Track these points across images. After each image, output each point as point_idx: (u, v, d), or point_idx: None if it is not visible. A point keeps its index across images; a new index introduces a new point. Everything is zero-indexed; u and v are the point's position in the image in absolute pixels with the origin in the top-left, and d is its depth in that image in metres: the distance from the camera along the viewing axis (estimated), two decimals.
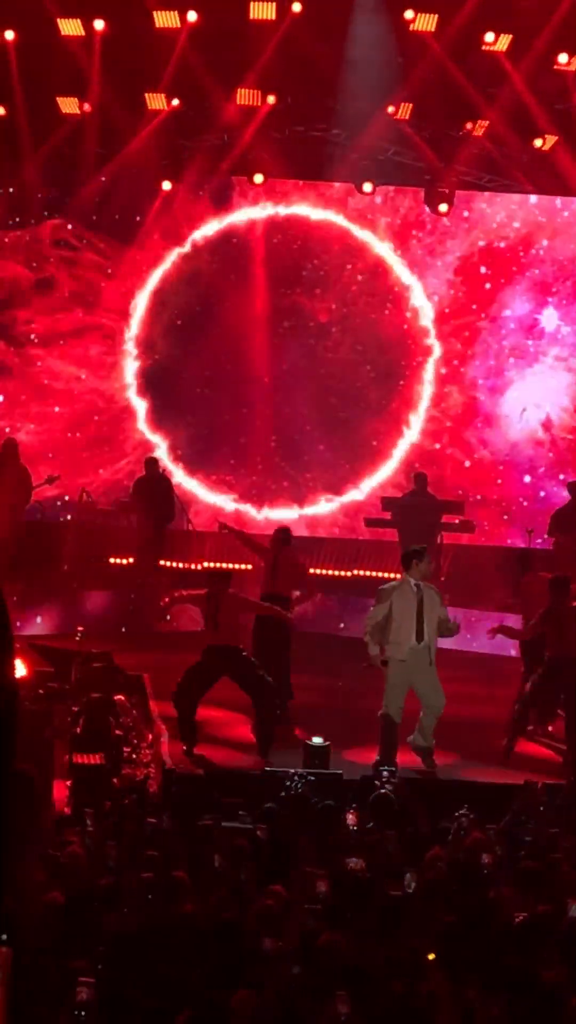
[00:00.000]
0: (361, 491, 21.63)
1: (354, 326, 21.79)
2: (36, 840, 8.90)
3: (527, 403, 21.66)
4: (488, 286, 21.75)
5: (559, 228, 21.66)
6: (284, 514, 20.98)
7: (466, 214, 21.70)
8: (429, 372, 21.84)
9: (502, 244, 21.68)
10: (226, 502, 21.44)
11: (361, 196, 21.15)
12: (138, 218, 21.09)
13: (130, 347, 21.51)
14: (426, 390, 21.84)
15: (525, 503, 21.58)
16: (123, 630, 17.98)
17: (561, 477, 20.86)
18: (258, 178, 19.98)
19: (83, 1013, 6.94)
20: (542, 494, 21.34)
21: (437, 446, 21.53)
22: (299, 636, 14.71)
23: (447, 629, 12.49)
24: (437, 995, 7.30)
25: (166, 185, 20.15)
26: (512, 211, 21.59)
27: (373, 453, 21.69)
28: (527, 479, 21.65)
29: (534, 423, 21.66)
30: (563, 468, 21.19)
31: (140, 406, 21.52)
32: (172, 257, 21.56)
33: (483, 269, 21.76)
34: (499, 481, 21.67)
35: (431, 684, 12.37)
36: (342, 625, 18.86)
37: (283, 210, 21.65)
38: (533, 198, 21.55)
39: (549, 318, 21.73)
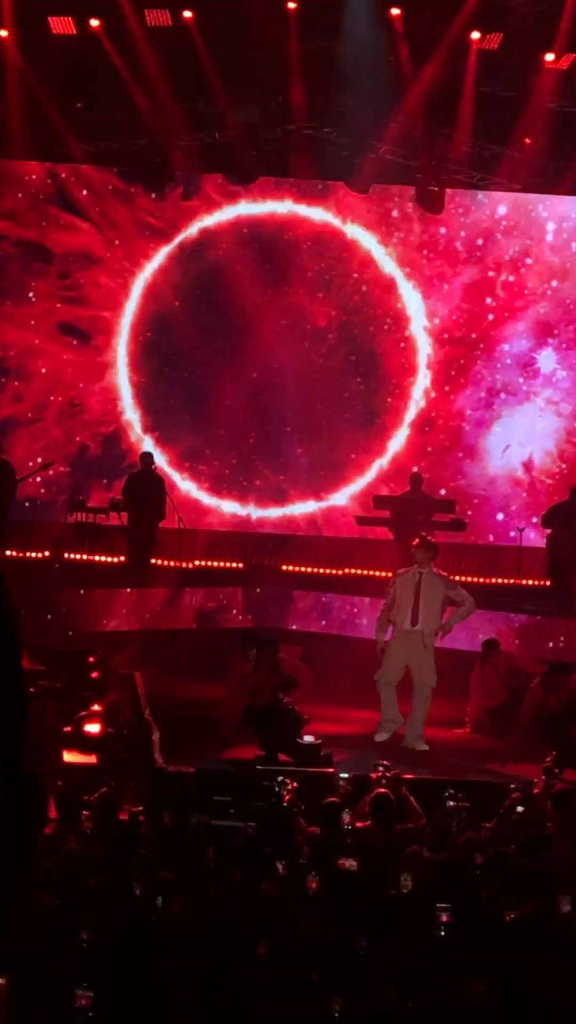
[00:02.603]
0: (326, 501, 21.43)
1: (351, 336, 21.55)
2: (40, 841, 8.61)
3: (511, 441, 21.51)
4: (491, 317, 21.57)
5: (571, 271, 21.52)
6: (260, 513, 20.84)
7: (480, 242, 21.52)
8: (418, 394, 21.63)
9: (511, 278, 21.51)
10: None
11: (379, 206, 21.08)
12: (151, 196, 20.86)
13: (124, 326, 21.25)
14: (412, 412, 21.63)
15: (492, 538, 21.42)
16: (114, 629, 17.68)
17: (534, 520, 20.69)
18: (247, 177, 19.91)
19: (83, 1019, 6.70)
20: (512, 534, 21.12)
21: (415, 469, 21.24)
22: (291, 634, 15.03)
23: (464, 609, 13.56)
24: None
25: (153, 185, 20.14)
26: (527, 246, 21.43)
27: (350, 466, 21.45)
28: (500, 516, 21.48)
29: (515, 462, 21.52)
30: (537, 511, 20.94)
31: (126, 386, 21.27)
32: (176, 243, 21.29)
33: (488, 300, 21.58)
34: (469, 513, 21.45)
35: (424, 665, 13.34)
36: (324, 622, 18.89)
37: (300, 209, 21.40)
38: (550, 236, 21.44)
39: (546, 359, 21.57)
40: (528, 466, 21.47)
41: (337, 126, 19.32)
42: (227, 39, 18.06)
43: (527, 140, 19.10)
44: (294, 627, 18.47)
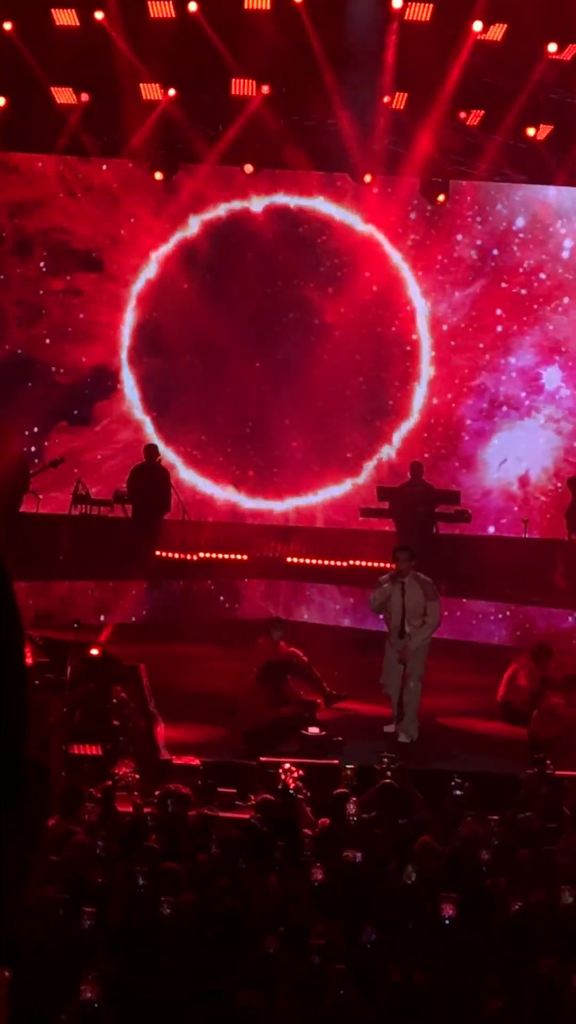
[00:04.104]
0: (312, 497, 21.27)
1: (358, 334, 21.34)
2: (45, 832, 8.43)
3: (509, 454, 21.37)
4: (499, 329, 21.42)
5: None
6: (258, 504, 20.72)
7: (495, 252, 21.37)
8: (419, 399, 21.46)
9: (523, 292, 21.36)
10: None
11: (398, 207, 20.91)
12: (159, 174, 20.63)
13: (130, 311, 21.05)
14: (412, 417, 21.46)
15: None
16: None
17: (525, 536, 20.54)
18: (248, 168, 19.83)
19: (89, 1011, 6.55)
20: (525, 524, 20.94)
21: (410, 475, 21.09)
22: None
23: (427, 627, 13.33)
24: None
25: (158, 175, 19.96)
26: (543, 262, 21.29)
27: (345, 464, 21.27)
28: (491, 529, 21.32)
29: (511, 476, 21.38)
30: (530, 527, 20.81)
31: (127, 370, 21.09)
32: (184, 232, 21.09)
33: (498, 311, 21.42)
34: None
35: (415, 662, 13.40)
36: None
37: (316, 203, 21.21)
38: (566, 253, 21.30)
39: (551, 376, 21.43)
40: (524, 481, 21.33)
41: (340, 117, 19.21)
42: (231, 29, 17.93)
43: (532, 131, 19.08)
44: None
